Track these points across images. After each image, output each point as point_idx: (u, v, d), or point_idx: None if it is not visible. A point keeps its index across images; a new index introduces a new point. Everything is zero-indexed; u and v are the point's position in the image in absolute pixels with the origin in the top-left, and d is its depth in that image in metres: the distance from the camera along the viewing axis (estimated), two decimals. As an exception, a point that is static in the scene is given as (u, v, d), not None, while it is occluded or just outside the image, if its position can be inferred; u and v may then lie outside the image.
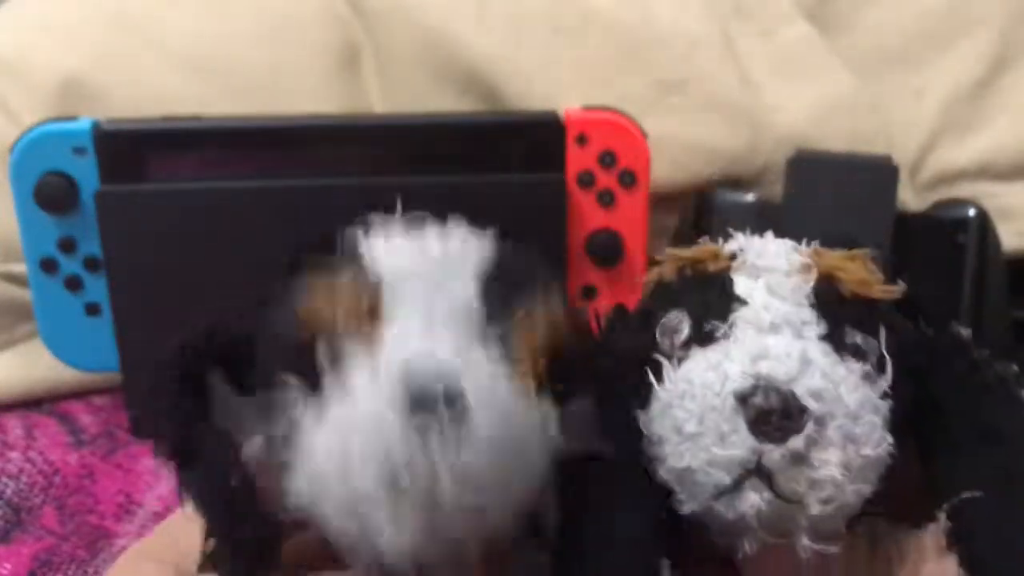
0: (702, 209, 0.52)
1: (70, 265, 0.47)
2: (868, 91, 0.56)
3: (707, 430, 0.28)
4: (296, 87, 0.55)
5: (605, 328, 0.36)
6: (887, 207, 0.51)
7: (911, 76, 0.57)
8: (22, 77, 0.54)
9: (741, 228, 0.35)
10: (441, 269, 0.29)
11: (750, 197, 0.52)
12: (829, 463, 0.28)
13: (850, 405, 0.29)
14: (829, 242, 0.34)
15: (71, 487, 0.49)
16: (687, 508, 0.30)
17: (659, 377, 0.31)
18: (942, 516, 0.31)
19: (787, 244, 0.33)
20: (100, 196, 0.46)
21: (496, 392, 0.26)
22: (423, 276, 0.29)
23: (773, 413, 0.28)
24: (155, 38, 0.55)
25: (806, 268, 0.32)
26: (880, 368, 0.30)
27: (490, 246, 0.31)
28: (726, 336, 0.31)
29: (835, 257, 0.33)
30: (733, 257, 0.33)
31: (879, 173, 0.51)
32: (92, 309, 0.48)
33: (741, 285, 0.32)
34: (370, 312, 0.28)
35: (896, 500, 0.31)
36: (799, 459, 0.28)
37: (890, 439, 0.30)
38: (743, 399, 0.28)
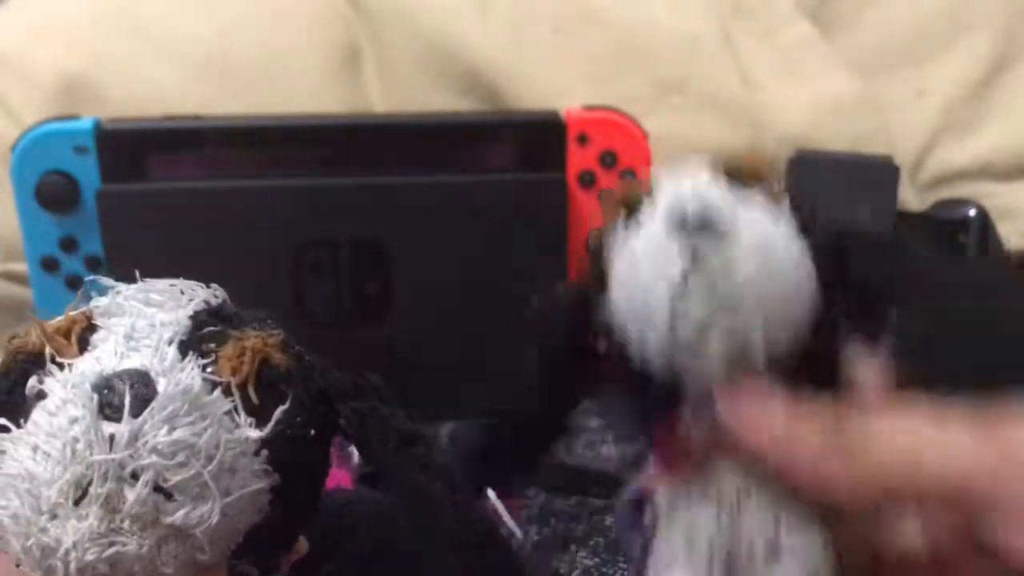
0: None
1: (71, 264, 0.47)
2: (869, 91, 0.56)
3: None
4: (297, 87, 0.55)
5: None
6: (888, 206, 0.51)
7: (912, 76, 0.57)
8: (23, 76, 0.54)
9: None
10: None
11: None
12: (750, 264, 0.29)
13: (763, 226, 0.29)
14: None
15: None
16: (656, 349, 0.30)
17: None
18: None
19: None
20: (101, 195, 0.46)
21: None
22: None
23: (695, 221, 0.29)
24: (156, 38, 0.55)
25: None
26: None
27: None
28: None
29: None
30: None
31: (880, 173, 0.51)
32: (93, 308, 0.48)
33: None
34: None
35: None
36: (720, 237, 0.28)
37: (808, 273, 0.30)
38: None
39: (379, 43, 0.57)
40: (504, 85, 0.54)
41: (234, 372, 0.26)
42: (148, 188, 0.46)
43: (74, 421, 0.24)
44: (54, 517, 0.24)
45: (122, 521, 0.24)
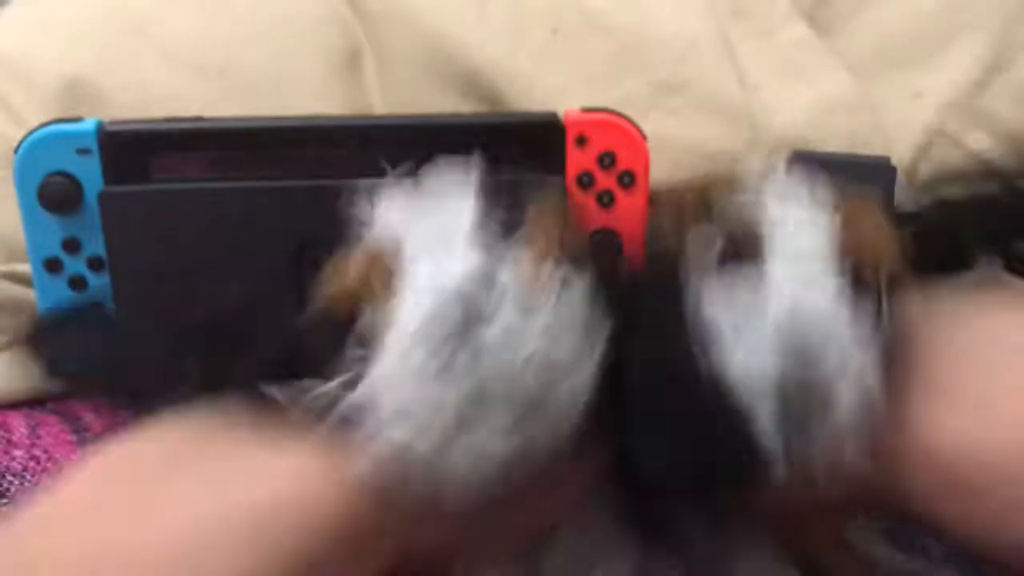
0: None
1: (74, 265, 0.47)
2: (866, 92, 0.56)
3: None
4: (298, 88, 0.55)
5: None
6: (885, 208, 0.51)
7: (909, 77, 0.57)
8: (25, 78, 0.54)
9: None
10: (439, 203, 0.30)
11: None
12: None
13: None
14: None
15: (75, 485, 0.49)
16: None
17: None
18: None
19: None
20: (104, 196, 0.46)
21: None
22: (427, 214, 0.30)
23: None
24: (158, 39, 0.55)
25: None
26: None
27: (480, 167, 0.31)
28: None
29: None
30: None
31: (877, 174, 0.52)
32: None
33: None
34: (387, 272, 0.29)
35: None
36: None
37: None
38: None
39: (379, 45, 0.57)
40: (503, 86, 0.55)
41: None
42: (150, 189, 0.47)
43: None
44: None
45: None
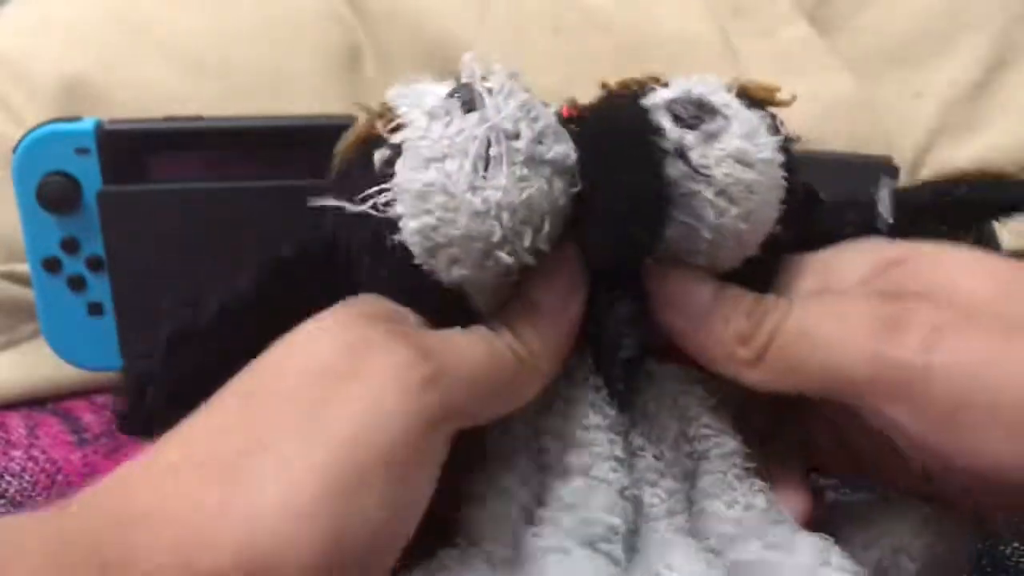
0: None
1: (73, 265, 0.47)
2: (867, 92, 0.56)
3: None
4: (298, 88, 0.55)
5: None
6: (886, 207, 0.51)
7: (910, 77, 0.57)
8: (24, 77, 0.54)
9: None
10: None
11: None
12: (733, 142, 0.31)
13: (752, 120, 0.32)
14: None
15: (74, 485, 0.49)
16: None
17: None
18: None
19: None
20: (102, 196, 0.46)
21: None
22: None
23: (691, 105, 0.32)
24: (157, 39, 0.55)
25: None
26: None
27: None
28: None
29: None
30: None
31: (879, 173, 0.52)
32: (95, 309, 0.48)
33: None
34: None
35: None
36: (710, 137, 0.31)
37: (782, 180, 0.32)
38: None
39: (379, 44, 0.57)
40: (504, 86, 0.55)
41: None
42: (149, 189, 0.47)
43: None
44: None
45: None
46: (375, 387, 0.27)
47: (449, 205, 0.28)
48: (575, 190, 0.30)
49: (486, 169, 0.28)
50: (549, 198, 0.29)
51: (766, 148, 0.32)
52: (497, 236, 0.28)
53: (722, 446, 0.33)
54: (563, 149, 0.30)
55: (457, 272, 0.29)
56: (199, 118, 0.48)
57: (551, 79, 0.55)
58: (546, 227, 0.29)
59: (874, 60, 0.57)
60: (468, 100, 0.30)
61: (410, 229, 0.29)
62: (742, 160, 0.31)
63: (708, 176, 0.30)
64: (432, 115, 0.30)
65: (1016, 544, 0.40)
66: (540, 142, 0.29)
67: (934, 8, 0.58)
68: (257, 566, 0.24)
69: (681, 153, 0.30)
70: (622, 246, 0.30)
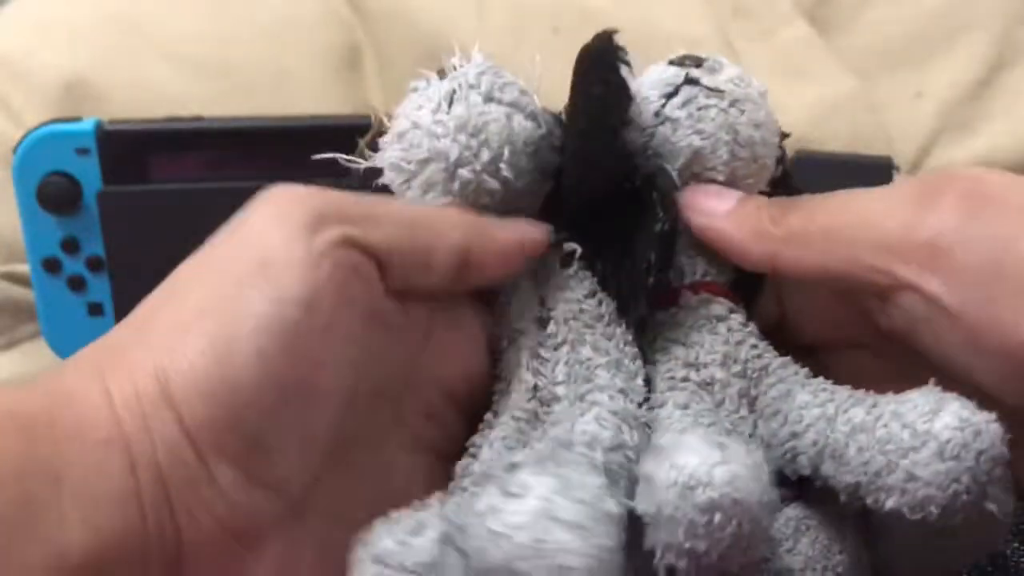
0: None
1: (73, 265, 0.47)
2: (867, 92, 0.56)
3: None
4: (298, 88, 0.55)
5: None
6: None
7: (910, 77, 0.57)
8: (25, 78, 0.54)
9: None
10: None
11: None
12: (732, 71, 0.36)
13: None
14: None
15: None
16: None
17: None
18: None
19: None
20: (102, 196, 0.46)
21: None
22: None
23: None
24: (157, 39, 0.55)
25: None
26: None
27: None
28: None
29: None
30: None
31: (879, 173, 0.52)
32: (95, 309, 0.48)
33: None
34: None
35: None
36: (712, 71, 0.35)
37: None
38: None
39: (379, 44, 0.57)
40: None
41: None
42: (149, 189, 0.47)
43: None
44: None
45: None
46: (257, 220, 0.32)
47: (415, 137, 0.32)
48: (541, 132, 0.34)
49: (450, 108, 0.32)
50: (507, 128, 0.33)
51: (759, 86, 0.36)
52: (455, 154, 0.32)
53: (778, 358, 0.33)
54: (522, 97, 0.34)
55: (432, 198, 0.33)
56: (199, 118, 0.48)
57: (551, 79, 0.55)
58: (505, 153, 0.32)
59: (874, 60, 0.57)
60: (441, 71, 0.34)
61: (388, 163, 0.33)
62: (743, 80, 0.35)
63: (720, 92, 0.34)
64: (413, 88, 0.34)
65: (1016, 544, 0.40)
66: (500, 90, 0.33)
67: (934, 8, 0.58)
68: (166, 378, 0.28)
69: (694, 81, 0.35)
70: (587, 149, 0.33)
